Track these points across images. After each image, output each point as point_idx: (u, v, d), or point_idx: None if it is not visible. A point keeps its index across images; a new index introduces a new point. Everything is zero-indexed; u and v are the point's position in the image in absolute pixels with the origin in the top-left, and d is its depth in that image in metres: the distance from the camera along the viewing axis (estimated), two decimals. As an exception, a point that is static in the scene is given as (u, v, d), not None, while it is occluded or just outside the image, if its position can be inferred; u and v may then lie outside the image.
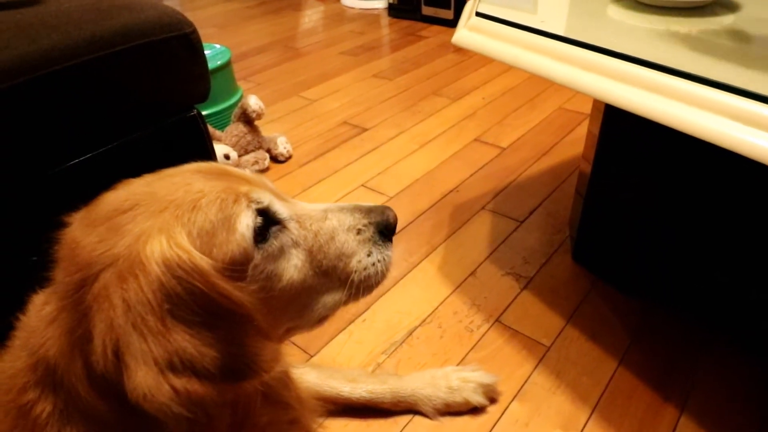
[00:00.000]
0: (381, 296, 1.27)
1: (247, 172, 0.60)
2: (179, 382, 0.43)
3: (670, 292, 1.19)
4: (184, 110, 1.26)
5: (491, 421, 0.98)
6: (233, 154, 1.67)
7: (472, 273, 1.33)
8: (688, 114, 0.69)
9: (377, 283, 0.62)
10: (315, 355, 1.13)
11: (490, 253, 1.38)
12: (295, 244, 0.57)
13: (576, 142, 1.84)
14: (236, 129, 1.78)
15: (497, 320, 1.19)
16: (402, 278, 1.32)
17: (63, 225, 0.56)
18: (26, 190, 1.03)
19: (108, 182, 1.30)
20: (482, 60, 2.57)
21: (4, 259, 1.04)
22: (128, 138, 1.16)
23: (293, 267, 0.57)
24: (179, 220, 0.48)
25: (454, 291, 1.28)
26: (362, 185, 1.68)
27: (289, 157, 1.84)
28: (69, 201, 1.18)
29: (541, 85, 2.26)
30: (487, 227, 1.47)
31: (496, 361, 1.09)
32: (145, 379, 0.42)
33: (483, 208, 1.55)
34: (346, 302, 0.62)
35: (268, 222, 0.54)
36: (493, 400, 1.01)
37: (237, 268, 0.50)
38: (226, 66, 1.89)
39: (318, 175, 1.75)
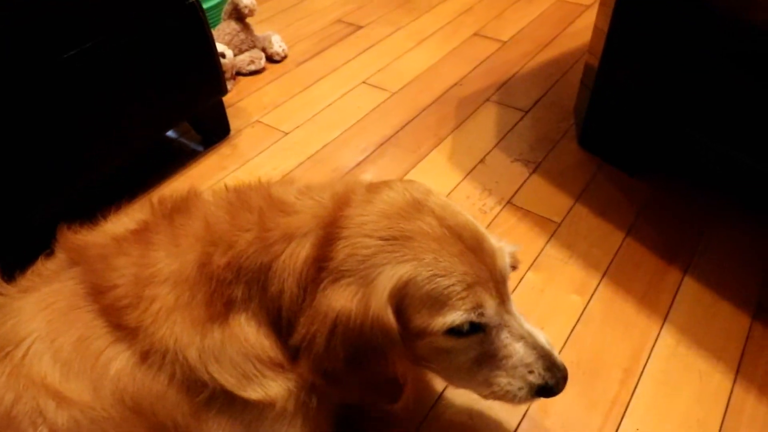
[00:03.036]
0: (394, 185, 1.29)
1: (492, 240, 0.67)
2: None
3: (682, 167, 1.24)
4: (182, -3, 1.19)
5: (510, 288, 1.04)
6: (229, 53, 1.61)
7: (482, 161, 1.35)
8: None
9: (506, 402, 0.69)
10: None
11: (498, 142, 1.40)
12: (480, 345, 0.65)
13: (577, 34, 1.81)
14: (228, 27, 1.70)
15: (509, 202, 1.23)
16: (412, 168, 1.34)
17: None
18: (37, 76, 0.99)
19: (115, 72, 1.24)
20: (475, -46, 2.45)
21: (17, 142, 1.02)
22: (129, 29, 1.10)
23: (464, 358, 0.66)
24: (412, 282, 0.58)
25: (465, 177, 1.30)
26: (363, 82, 1.65)
27: (285, 57, 1.78)
28: (86, 86, 1.13)
29: (538, -22, 2.19)
30: (493, 118, 1.48)
31: (510, 238, 1.14)
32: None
33: (488, 100, 1.55)
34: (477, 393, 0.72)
35: (473, 326, 0.62)
36: (514, 267, 1.07)
37: (418, 336, 0.62)
38: (211, -42, 1.77)
39: (317, 73, 1.71)
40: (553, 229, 1.16)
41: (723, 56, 1.02)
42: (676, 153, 1.22)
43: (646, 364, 0.93)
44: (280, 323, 0.61)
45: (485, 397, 0.70)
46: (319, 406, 0.66)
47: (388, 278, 0.58)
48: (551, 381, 0.67)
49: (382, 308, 0.57)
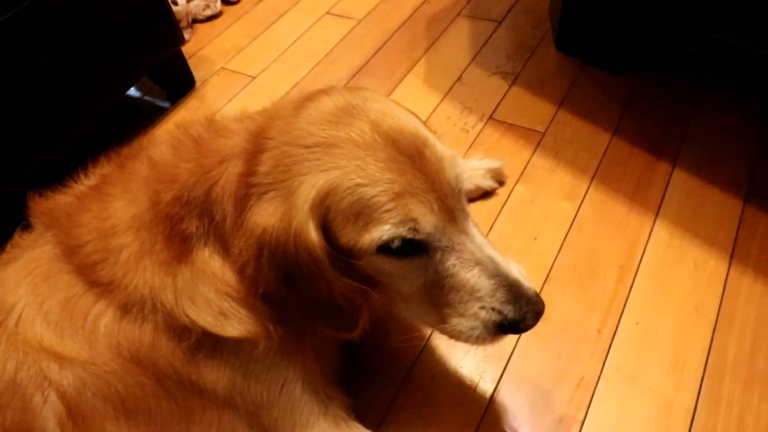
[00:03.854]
0: (371, 115, 1.24)
1: (442, 148, 0.58)
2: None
3: (662, 59, 1.20)
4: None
5: (500, 203, 1.03)
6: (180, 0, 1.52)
7: (459, 79, 1.30)
8: None
9: (465, 342, 0.60)
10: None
11: (474, 57, 1.34)
12: (424, 271, 0.57)
13: (545, -67, 1.70)
14: (176, -29, 1.59)
15: (491, 117, 1.20)
16: (389, 95, 1.29)
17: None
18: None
19: (60, 33, 1.15)
20: None
21: None
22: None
23: (408, 286, 0.59)
24: (333, 193, 0.52)
25: (443, 98, 1.26)
26: (327, 13, 1.57)
27: (242, -4, 1.68)
28: (31, 52, 1.06)
29: None
30: (466, 33, 1.41)
31: (495, 153, 1.11)
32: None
33: (459, 14, 1.47)
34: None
35: (409, 243, 0.54)
36: (501, 183, 1.05)
37: (351, 255, 0.55)
38: None
39: (277, 10, 1.61)
40: (538, 139, 1.13)
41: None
42: (655, 43, 1.17)
43: (641, 259, 0.93)
44: (231, 252, 0.58)
45: (446, 335, 0.61)
46: (300, 340, 0.64)
47: (308, 189, 0.52)
48: (514, 315, 0.56)
49: (302, 223, 0.52)
